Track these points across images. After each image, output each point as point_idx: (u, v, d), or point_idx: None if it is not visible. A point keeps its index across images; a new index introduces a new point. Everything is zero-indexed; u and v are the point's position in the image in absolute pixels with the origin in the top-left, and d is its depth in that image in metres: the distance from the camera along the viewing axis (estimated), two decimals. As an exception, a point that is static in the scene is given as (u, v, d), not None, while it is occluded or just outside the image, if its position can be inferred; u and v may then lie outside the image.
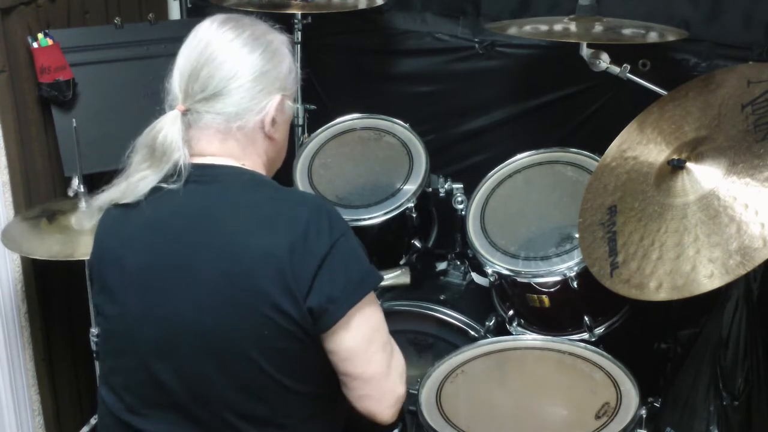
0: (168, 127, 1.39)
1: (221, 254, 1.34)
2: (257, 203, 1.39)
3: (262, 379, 1.37)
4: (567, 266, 1.95)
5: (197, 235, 1.37)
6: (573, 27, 2.06)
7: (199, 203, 1.39)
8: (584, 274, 1.88)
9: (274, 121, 1.45)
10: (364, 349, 1.40)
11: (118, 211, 1.44)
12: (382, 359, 1.42)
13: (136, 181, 1.40)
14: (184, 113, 1.41)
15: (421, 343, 2.27)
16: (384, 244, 2.24)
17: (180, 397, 1.39)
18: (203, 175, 1.40)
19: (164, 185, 1.39)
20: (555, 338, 1.94)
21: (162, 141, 1.38)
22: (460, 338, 2.19)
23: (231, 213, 1.37)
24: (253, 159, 1.46)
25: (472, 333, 2.17)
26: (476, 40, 2.56)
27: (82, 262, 2.01)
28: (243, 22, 1.46)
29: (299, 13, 2.48)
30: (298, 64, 2.49)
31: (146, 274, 1.39)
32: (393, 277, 2.12)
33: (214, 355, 1.36)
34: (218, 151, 1.43)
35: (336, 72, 2.78)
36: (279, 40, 1.48)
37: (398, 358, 1.48)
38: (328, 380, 1.43)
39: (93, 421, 2.37)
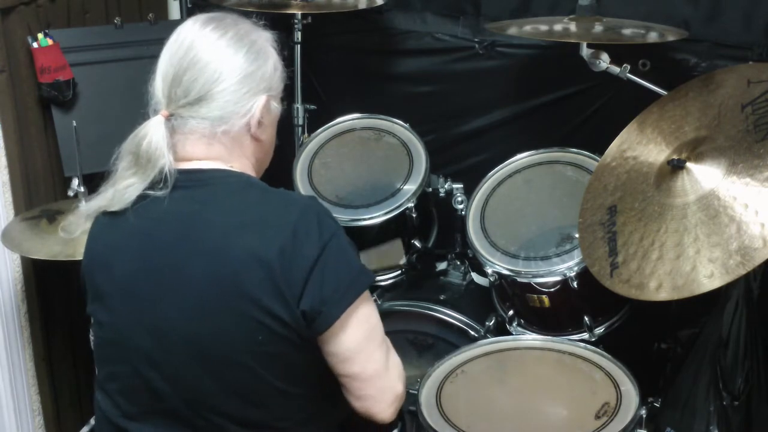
0: (152, 134, 1.36)
1: (209, 258, 1.33)
2: (245, 206, 1.37)
3: (256, 383, 1.36)
4: (567, 266, 1.95)
5: (185, 240, 1.35)
6: (573, 27, 2.06)
7: (186, 208, 1.37)
8: (584, 274, 1.88)
9: (260, 123, 1.43)
10: (363, 348, 1.39)
11: (107, 219, 1.42)
12: (380, 357, 1.42)
13: (123, 189, 1.38)
14: (168, 118, 1.38)
15: (421, 343, 2.27)
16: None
17: (174, 404, 1.39)
18: (189, 180, 1.38)
19: (151, 192, 1.37)
20: (555, 338, 1.94)
21: (146, 148, 1.36)
22: (460, 338, 2.19)
23: (218, 216, 1.36)
24: (241, 161, 1.44)
25: (472, 333, 2.17)
26: (476, 40, 2.56)
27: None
28: (226, 21, 1.43)
29: (299, 13, 2.48)
30: (298, 60, 2.54)
31: (135, 281, 1.38)
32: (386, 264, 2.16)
33: (206, 362, 1.35)
34: (204, 155, 1.41)
35: (336, 72, 2.78)
36: (263, 38, 1.46)
37: (395, 357, 1.48)
38: (324, 381, 1.43)
39: (93, 421, 2.37)
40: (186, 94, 1.37)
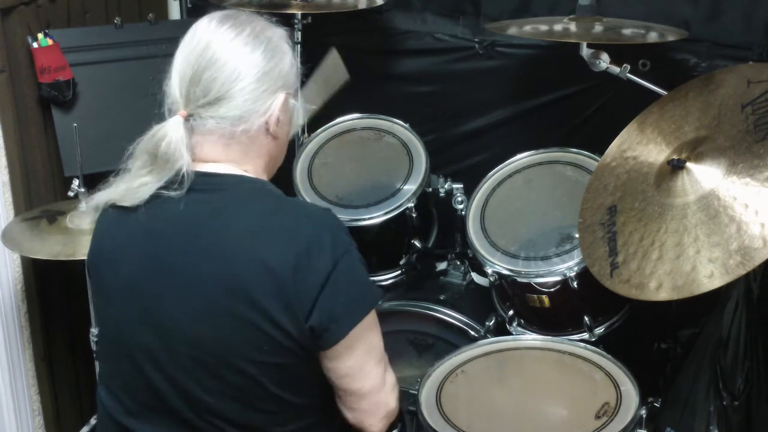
0: (171, 134, 1.34)
1: (219, 262, 1.32)
2: (260, 214, 1.36)
3: (257, 390, 1.36)
4: (567, 266, 1.95)
5: (196, 243, 1.34)
6: (573, 27, 2.06)
7: (199, 211, 1.36)
8: (584, 274, 1.88)
9: (278, 121, 1.41)
10: (363, 365, 1.40)
11: (117, 212, 1.41)
12: (378, 374, 1.42)
13: (137, 187, 1.37)
14: (187, 119, 1.36)
15: (421, 343, 2.27)
16: (384, 244, 2.24)
17: (175, 404, 1.38)
18: (205, 183, 1.37)
19: (164, 192, 1.35)
20: (555, 338, 1.94)
21: (165, 149, 1.34)
22: (460, 338, 2.19)
23: (232, 222, 1.34)
24: (255, 162, 1.43)
25: (472, 333, 2.17)
26: (476, 40, 2.56)
27: (82, 262, 1.98)
28: (241, 19, 1.41)
29: (299, 13, 2.48)
30: (299, 59, 2.54)
31: (142, 280, 1.37)
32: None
33: (208, 364, 1.35)
34: (220, 156, 1.39)
35: (336, 72, 2.78)
36: (278, 35, 1.44)
37: (391, 373, 1.48)
38: (324, 391, 1.43)
39: (93, 421, 2.37)
40: (205, 93, 1.35)
